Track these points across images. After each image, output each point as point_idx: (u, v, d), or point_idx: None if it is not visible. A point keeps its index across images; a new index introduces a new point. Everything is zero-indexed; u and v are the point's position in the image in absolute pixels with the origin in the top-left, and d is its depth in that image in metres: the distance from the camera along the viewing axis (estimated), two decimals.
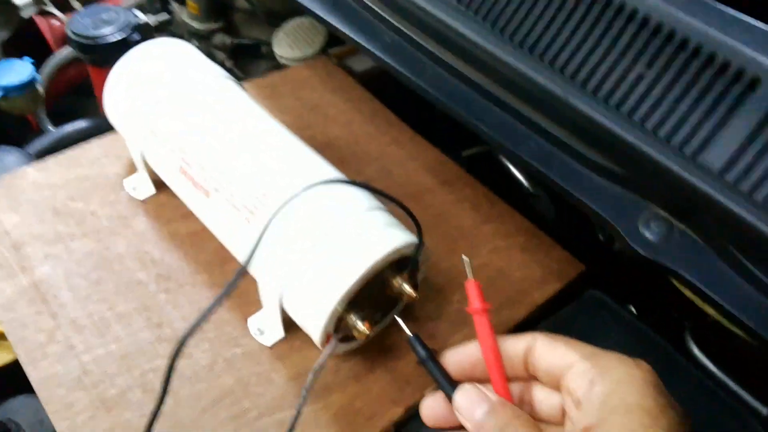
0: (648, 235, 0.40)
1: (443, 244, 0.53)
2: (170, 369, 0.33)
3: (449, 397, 0.35)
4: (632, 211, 0.41)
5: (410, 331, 0.39)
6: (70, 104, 0.91)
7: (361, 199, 0.44)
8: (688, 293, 0.43)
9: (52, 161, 0.56)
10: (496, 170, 0.66)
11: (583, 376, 0.31)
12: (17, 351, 0.44)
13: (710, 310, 0.42)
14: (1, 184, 0.53)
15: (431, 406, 0.36)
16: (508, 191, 0.59)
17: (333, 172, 0.46)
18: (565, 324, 0.49)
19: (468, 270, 0.37)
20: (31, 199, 0.52)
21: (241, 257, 0.46)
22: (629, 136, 0.38)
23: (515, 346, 0.35)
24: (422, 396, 0.44)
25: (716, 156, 0.36)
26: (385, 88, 0.67)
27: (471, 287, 0.36)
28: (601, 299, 0.50)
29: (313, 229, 0.42)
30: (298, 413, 0.38)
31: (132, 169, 0.55)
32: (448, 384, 0.35)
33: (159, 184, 0.54)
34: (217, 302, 0.35)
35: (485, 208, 0.57)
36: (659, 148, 0.37)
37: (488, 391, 0.34)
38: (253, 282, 0.47)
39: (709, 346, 0.50)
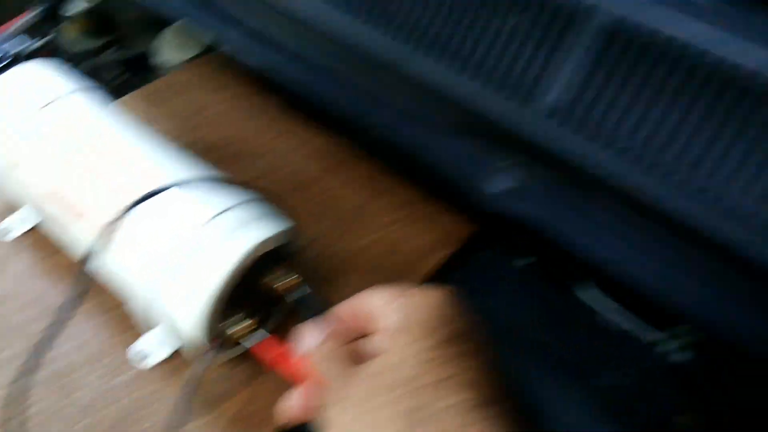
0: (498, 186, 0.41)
1: (335, 229, 0.53)
2: None
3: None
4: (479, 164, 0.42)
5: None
6: None
7: (225, 196, 0.43)
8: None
9: None
10: None
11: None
12: None
13: None
14: None
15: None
16: None
17: (190, 172, 0.45)
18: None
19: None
20: None
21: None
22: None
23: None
24: None
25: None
26: None
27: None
28: (490, 258, 0.50)
29: (163, 245, 0.41)
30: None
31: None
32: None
33: None
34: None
35: (374, 183, 0.57)
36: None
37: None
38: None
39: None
